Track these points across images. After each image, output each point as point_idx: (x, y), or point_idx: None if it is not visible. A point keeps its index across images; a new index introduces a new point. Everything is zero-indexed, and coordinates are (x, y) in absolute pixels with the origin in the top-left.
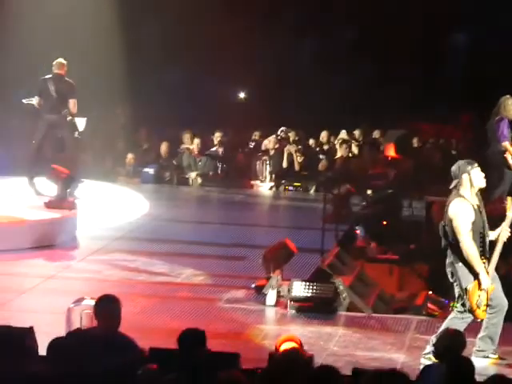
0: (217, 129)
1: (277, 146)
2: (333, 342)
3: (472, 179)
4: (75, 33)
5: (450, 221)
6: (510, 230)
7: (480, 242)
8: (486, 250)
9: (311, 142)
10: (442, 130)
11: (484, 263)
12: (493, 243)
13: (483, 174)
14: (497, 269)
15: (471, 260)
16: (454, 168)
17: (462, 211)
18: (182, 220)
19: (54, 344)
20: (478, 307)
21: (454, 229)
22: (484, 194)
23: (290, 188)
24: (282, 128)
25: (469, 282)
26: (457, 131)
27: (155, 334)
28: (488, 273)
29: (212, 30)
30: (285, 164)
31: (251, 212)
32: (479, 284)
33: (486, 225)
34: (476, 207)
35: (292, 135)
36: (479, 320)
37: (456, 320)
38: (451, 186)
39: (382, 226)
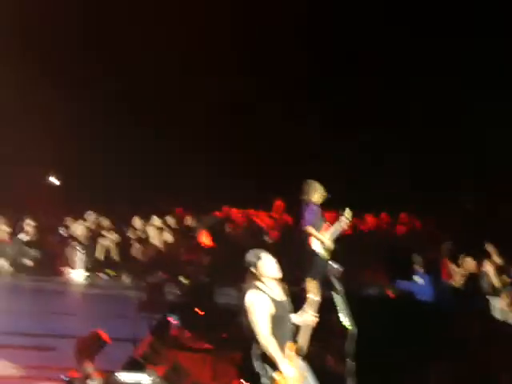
0: (25, 213)
1: (88, 234)
2: None
3: (261, 270)
4: None
5: (246, 314)
6: (314, 313)
7: (286, 329)
8: (291, 336)
9: (124, 229)
10: (253, 215)
11: (292, 349)
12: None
13: (273, 263)
14: (311, 356)
15: (270, 352)
16: (245, 257)
17: (257, 304)
18: None
19: None
20: None
21: (251, 322)
22: (299, 277)
23: (104, 276)
24: (89, 211)
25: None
26: (268, 217)
27: None
28: (292, 360)
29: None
30: (100, 255)
31: (63, 300)
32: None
33: (289, 311)
34: (276, 296)
35: (106, 223)
36: None
37: None
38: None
39: (196, 314)
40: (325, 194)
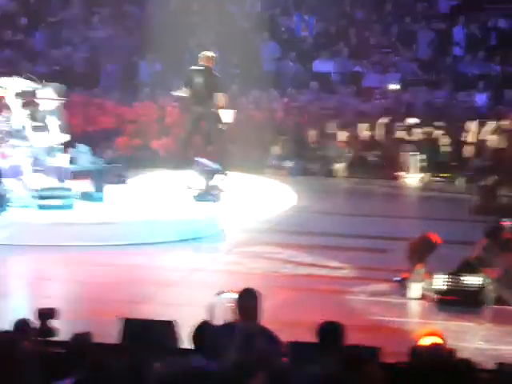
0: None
1: (424, 137)
2: (477, 337)
3: None
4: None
5: None
6: None
7: None
8: None
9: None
10: None
11: None
12: None
13: None
14: None
15: None
16: None
17: None
18: (328, 212)
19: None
20: None
21: None
22: None
23: (438, 179)
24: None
25: None
26: None
27: (296, 328)
28: None
29: None
30: (435, 159)
31: (397, 204)
32: None
33: None
34: None
35: (440, 128)
36: None
37: None
38: None
39: None
40: None
